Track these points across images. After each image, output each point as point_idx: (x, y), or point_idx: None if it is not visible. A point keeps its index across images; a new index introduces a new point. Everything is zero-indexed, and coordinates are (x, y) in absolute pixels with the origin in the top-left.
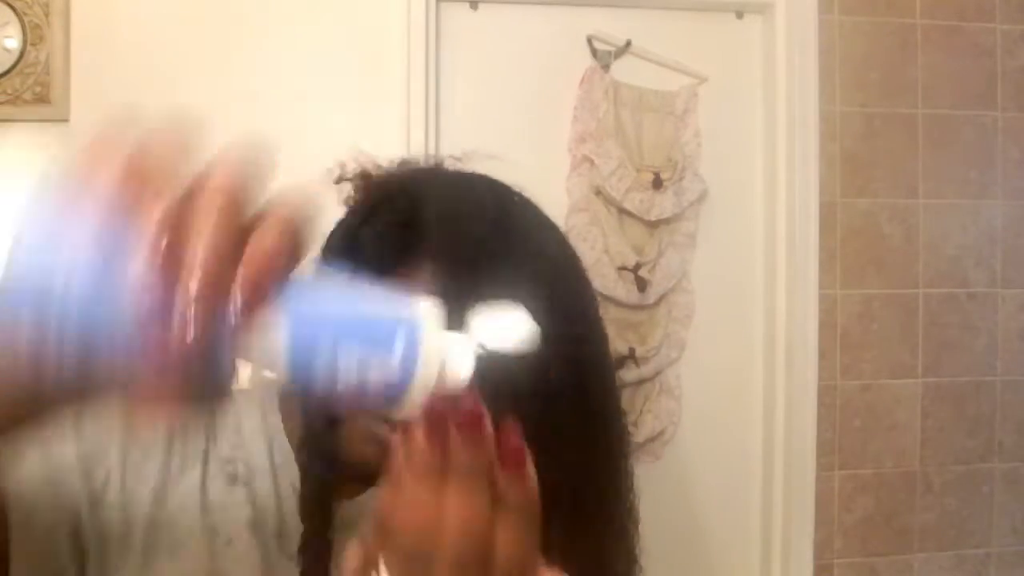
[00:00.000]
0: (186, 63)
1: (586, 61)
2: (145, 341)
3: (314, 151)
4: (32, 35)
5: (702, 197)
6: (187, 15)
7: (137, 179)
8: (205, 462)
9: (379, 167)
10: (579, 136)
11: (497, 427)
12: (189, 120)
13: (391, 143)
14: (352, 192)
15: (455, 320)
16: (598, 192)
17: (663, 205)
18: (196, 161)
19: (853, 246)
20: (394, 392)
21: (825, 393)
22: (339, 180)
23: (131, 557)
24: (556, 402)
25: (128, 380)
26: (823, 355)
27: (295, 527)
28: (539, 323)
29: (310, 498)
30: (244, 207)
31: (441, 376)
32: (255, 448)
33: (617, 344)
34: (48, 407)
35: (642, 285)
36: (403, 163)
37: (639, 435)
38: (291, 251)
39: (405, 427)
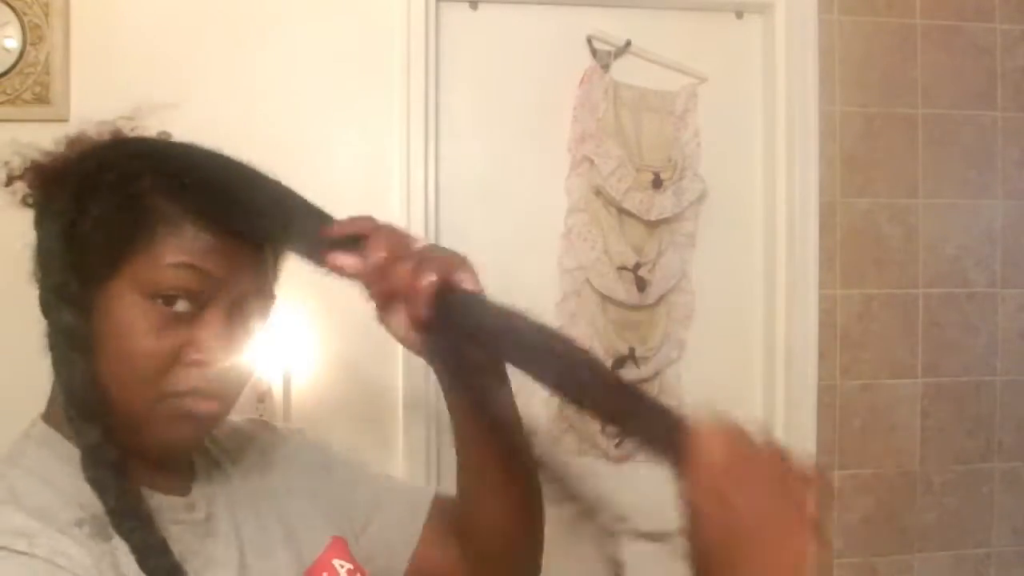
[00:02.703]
0: (186, 63)
1: (586, 61)
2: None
3: (314, 150)
4: (32, 35)
5: (702, 197)
6: (187, 16)
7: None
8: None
9: (48, 153)
10: (579, 136)
11: None
12: None
13: (391, 143)
14: (30, 190)
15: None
16: (598, 192)
17: (663, 205)
18: None
19: (853, 246)
20: None
21: (825, 393)
22: (10, 182)
23: None
24: None
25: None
26: (823, 355)
27: None
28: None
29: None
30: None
31: None
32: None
33: (617, 344)
34: None
35: (642, 285)
36: (72, 142)
37: None
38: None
39: None
